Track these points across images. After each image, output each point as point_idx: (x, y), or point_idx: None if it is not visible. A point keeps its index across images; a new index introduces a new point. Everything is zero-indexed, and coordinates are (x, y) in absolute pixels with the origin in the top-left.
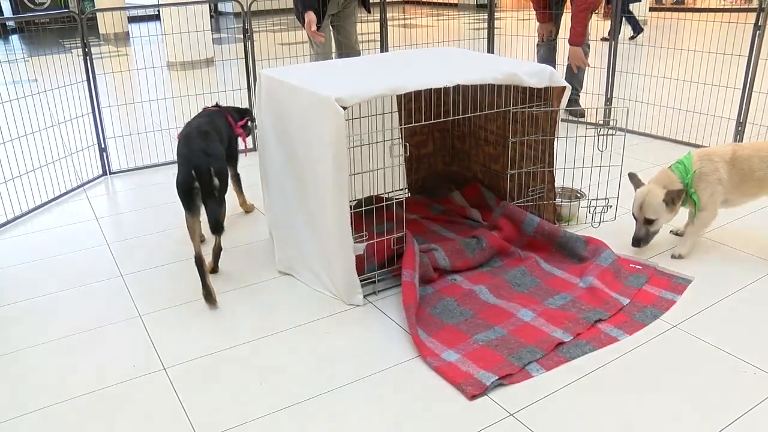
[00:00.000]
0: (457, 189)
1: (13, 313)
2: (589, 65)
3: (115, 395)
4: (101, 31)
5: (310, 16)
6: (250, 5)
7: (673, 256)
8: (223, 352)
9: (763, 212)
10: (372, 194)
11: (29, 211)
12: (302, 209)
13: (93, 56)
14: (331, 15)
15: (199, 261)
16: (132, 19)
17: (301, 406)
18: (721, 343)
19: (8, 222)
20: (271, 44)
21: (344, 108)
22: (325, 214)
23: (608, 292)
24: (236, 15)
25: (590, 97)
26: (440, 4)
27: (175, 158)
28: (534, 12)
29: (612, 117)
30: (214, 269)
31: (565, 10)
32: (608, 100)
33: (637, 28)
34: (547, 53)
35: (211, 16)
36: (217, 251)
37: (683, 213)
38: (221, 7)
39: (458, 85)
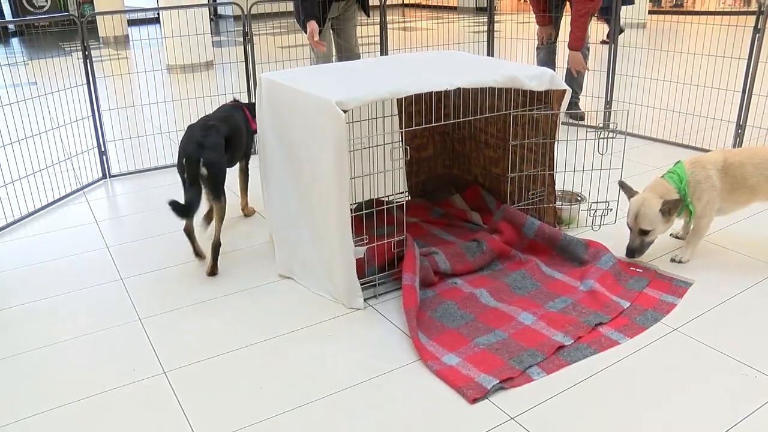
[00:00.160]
0: (457, 192)
1: (13, 316)
2: (588, 69)
3: (114, 399)
4: (101, 34)
5: (312, 26)
6: (250, 8)
7: (673, 260)
8: (223, 355)
9: (763, 215)
10: (372, 197)
11: (29, 215)
12: (303, 212)
13: (93, 59)
14: (331, 18)
15: (187, 232)
16: (132, 22)
17: (301, 410)
18: (721, 347)
19: (8, 225)
20: (271, 47)
21: (345, 111)
22: (325, 218)
23: (609, 296)
24: (236, 18)
25: (590, 100)
26: (440, 7)
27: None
28: (533, 15)
29: (612, 120)
30: (213, 270)
31: (564, 14)
32: (608, 103)
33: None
34: (546, 56)
35: (211, 19)
36: (215, 247)
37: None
38: (221, 10)
39: (459, 88)
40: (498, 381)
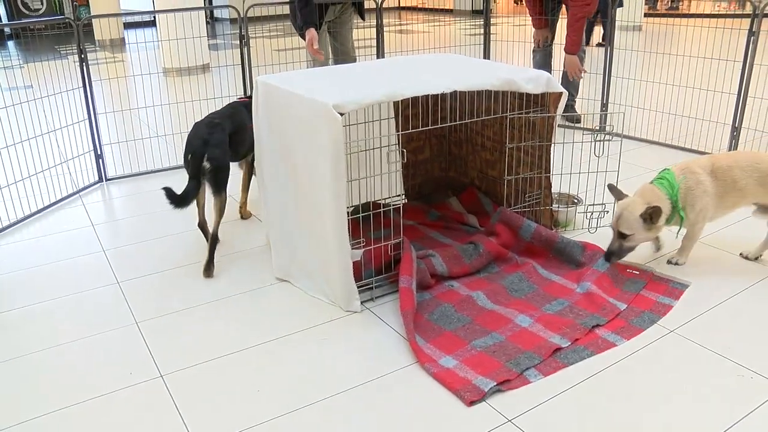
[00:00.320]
0: (454, 195)
1: (10, 320)
2: (585, 71)
3: (111, 403)
4: (97, 37)
5: (311, 34)
6: (247, 11)
7: (669, 262)
8: (220, 358)
9: None
10: (369, 200)
11: (25, 218)
12: (300, 215)
13: (89, 62)
14: (327, 22)
15: (201, 226)
16: (128, 25)
17: (299, 413)
18: (718, 348)
19: (4, 228)
20: (268, 50)
21: (342, 114)
22: (322, 221)
23: (605, 298)
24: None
25: (586, 103)
26: (436, 10)
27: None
28: (529, 18)
29: (608, 122)
30: (209, 265)
31: (560, 16)
32: (604, 106)
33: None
34: (543, 59)
35: (207, 22)
36: (213, 241)
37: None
38: (217, 13)
39: (455, 91)
40: (495, 383)
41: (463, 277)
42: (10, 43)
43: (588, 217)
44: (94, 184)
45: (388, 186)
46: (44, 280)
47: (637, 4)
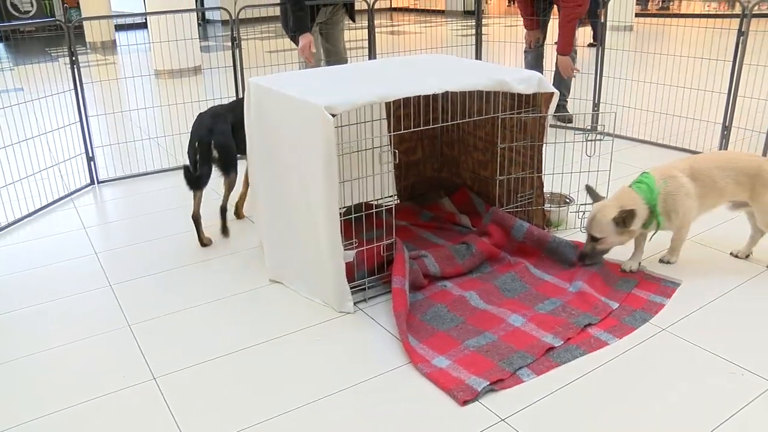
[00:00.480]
0: (446, 195)
1: (1, 324)
2: (578, 70)
3: (104, 406)
4: (88, 39)
5: (307, 39)
6: (238, 13)
7: (661, 261)
8: (213, 360)
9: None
10: (361, 201)
11: (16, 221)
12: (292, 217)
13: (80, 65)
14: (319, 23)
15: (194, 218)
16: (119, 28)
17: (292, 414)
18: (709, 346)
19: None
20: (259, 52)
21: (333, 115)
22: (315, 222)
23: (598, 297)
24: (224, 23)
25: (578, 103)
26: (428, 11)
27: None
28: (521, 19)
29: (600, 122)
30: (224, 230)
31: (552, 17)
32: (596, 106)
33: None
34: (534, 60)
35: (199, 24)
36: (222, 211)
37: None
38: (209, 15)
39: (447, 91)
40: (488, 383)
41: (456, 278)
42: (0, 46)
43: (580, 217)
44: (86, 186)
45: (380, 187)
46: (36, 284)
47: (628, 5)
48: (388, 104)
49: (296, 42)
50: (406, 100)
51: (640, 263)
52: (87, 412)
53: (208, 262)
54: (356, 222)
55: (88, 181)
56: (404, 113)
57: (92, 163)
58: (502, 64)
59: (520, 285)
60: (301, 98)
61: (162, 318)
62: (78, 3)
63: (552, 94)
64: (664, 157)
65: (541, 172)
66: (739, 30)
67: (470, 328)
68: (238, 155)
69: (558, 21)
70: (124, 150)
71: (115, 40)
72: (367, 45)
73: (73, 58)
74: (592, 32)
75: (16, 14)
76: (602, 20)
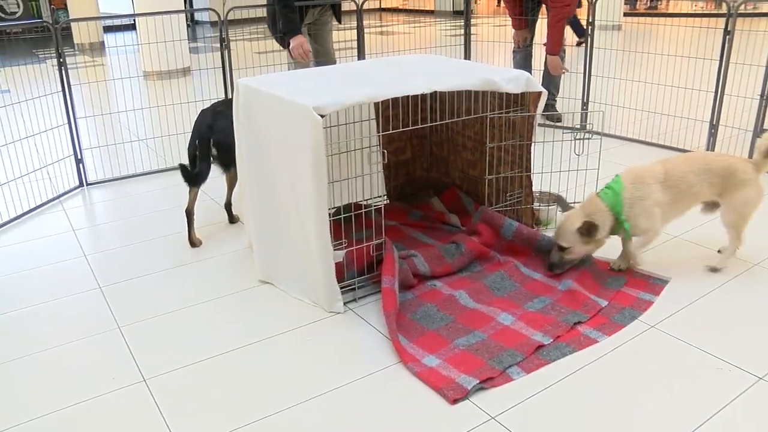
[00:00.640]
0: (435, 195)
1: None
2: (567, 70)
3: (94, 408)
4: (76, 41)
5: (299, 39)
6: (227, 14)
7: (611, 269)
8: (203, 361)
9: None
10: (351, 201)
11: (4, 224)
12: (281, 217)
13: (68, 66)
14: (307, 24)
15: (188, 213)
16: (107, 29)
17: (282, 415)
18: (697, 342)
19: None
20: (248, 53)
21: (322, 116)
22: (304, 222)
23: (587, 295)
24: (213, 24)
25: (567, 102)
26: (417, 11)
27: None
28: (509, 19)
29: (588, 121)
30: (231, 220)
31: (540, 16)
32: (585, 105)
33: (581, 33)
34: (523, 59)
35: (188, 25)
36: (227, 207)
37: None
38: (198, 16)
39: (436, 91)
40: (478, 381)
41: (446, 277)
42: None
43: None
44: (75, 188)
45: (369, 187)
46: (25, 286)
47: (616, 4)
48: (376, 104)
49: (283, 44)
50: (395, 100)
51: (629, 261)
52: (77, 414)
53: (197, 263)
54: (346, 222)
55: (77, 183)
56: (393, 113)
57: (81, 165)
58: (491, 63)
59: (510, 284)
60: (290, 99)
61: (152, 319)
62: (65, 4)
63: (540, 93)
64: (652, 155)
65: (529, 171)
66: (725, 29)
67: (460, 327)
68: None
69: (547, 21)
70: (112, 152)
71: (103, 42)
72: (356, 45)
73: (61, 60)
74: (573, 31)
75: (3, 15)
76: (589, 19)
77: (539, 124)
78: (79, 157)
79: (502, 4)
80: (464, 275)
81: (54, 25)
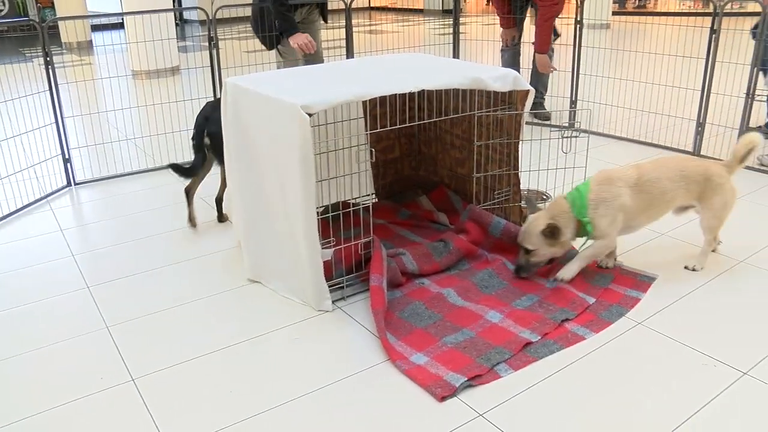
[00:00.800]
0: (424, 193)
1: None
2: (555, 68)
3: (83, 408)
4: (63, 39)
5: (301, 35)
6: (215, 13)
7: (555, 280)
8: (191, 361)
9: None
10: (339, 200)
11: None
12: (269, 216)
13: (55, 65)
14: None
15: (187, 191)
16: (95, 28)
17: (271, 413)
18: (684, 339)
19: None
20: (237, 52)
21: (310, 115)
22: (292, 221)
23: (574, 292)
24: (201, 23)
25: (555, 100)
26: (406, 10)
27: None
28: (498, 17)
29: (576, 119)
30: (220, 218)
31: (527, 15)
32: (573, 103)
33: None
34: (511, 58)
35: (176, 24)
36: (218, 201)
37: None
38: (186, 14)
39: (424, 90)
40: (466, 379)
41: (434, 275)
42: None
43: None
44: (63, 188)
45: (358, 185)
46: (12, 287)
47: (605, 3)
48: (364, 103)
49: (266, 44)
50: (383, 98)
51: (615, 259)
52: (65, 414)
53: (185, 263)
54: (334, 221)
55: (65, 182)
56: (381, 112)
57: (68, 164)
58: (479, 62)
59: (498, 281)
60: (278, 97)
61: (140, 319)
62: (52, 2)
63: (528, 91)
64: (639, 153)
65: (517, 170)
66: (711, 28)
67: (448, 325)
68: None
69: (535, 20)
70: (101, 151)
71: (91, 41)
72: (345, 44)
73: (48, 59)
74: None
75: None
76: (577, 18)
77: (527, 123)
78: (67, 156)
79: (491, 3)
80: (452, 273)
81: (40, 24)
